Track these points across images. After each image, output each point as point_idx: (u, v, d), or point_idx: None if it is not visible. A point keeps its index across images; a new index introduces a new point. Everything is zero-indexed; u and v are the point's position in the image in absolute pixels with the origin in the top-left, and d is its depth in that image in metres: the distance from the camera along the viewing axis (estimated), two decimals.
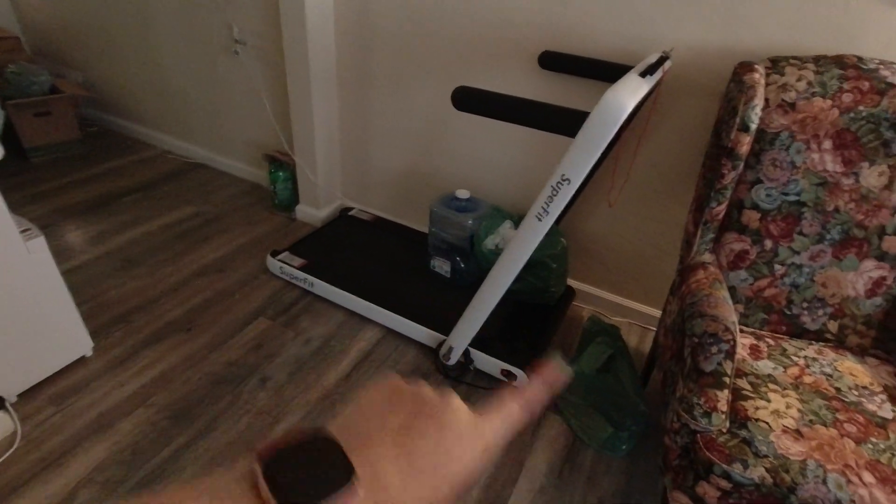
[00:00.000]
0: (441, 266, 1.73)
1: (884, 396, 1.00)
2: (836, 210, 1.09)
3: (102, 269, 1.80)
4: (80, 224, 2.04)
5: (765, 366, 1.05)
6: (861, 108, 1.04)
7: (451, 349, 1.44)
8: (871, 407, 0.97)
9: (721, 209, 1.13)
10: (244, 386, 1.40)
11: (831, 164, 1.08)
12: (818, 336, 1.17)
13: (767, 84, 1.08)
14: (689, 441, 0.95)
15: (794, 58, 1.09)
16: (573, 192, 1.02)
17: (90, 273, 1.77)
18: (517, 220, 1.63)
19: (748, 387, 0.99)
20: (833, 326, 1.16)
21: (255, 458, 0.23)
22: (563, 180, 1.00)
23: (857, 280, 1.12)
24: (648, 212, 1.58)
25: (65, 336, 1.35)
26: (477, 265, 1.64)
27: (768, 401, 0.96)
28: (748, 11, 1.22)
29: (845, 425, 0.92)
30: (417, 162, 1.94)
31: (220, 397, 1.36)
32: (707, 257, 1.18)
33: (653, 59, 1.15)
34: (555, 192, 1.03)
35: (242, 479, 0.22)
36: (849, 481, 0.83)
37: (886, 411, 0.96)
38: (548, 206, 1.05)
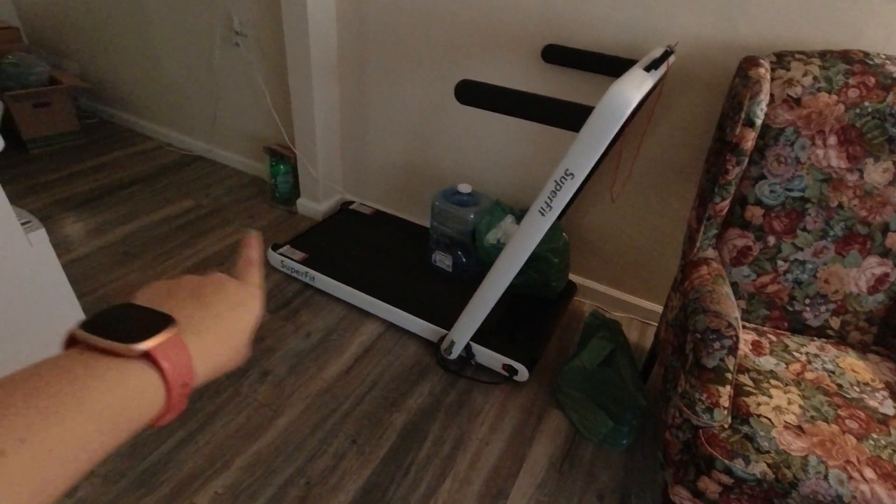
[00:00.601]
0: (442, 260, 1.73)
1: (885, 393, 1.00)
2: (840, 206, 1.09)
3: (102, 261, 1.79)
4: (79, 216, 2.03)
5: (767, 362, 1.06)
6: (867, 103, 1.03)
7: (452, 343, 1.43)
8: (873, 403, 0.97)
9: (724, 205, 1.13)
10: (245, 379, 1.40)
11: (836, 160, 1.07)
12: (820, 332, 1.17)
13: (773, 79, 1.07)
14: (690, 436, 0.95)
15: (800, 52, 1.08)
16: (577, 186, 1.01)
17: (89, 266, 1.77)
18: (519, 215, 1.63)
19: (750, 383, 1.00)
20: (835, 323, 1.16)
21: (67, 334, 0.25)
22: (567, 175, 1.00)
23: (859, 276, 1.12)
24: (650, 207, 1.58)
25: (66, 329, 1.34)
26: (478, 260, 1.64)
27: (770, 397, 0.96)
28: (753, 5, 1.21)
29: (847, 421, 0.92)
30: (418, 155, 1.93)
31: (220, 390, 1.36)
32: (710, 253, 1.18)
33: (657, 53, 1.14)
34: (558, 187, 1.02)
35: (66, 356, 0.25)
36: (850, 477, 0.84)
37: (888, 408, 0.96)
38: (551, 200, 1.05)
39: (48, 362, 0.24)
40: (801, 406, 0.95)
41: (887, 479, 0.83)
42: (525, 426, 1.35)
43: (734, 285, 1.19)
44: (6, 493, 0.19)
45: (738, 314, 0.99)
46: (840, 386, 1.01)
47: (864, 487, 0.83)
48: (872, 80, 1.03)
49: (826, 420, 0.92)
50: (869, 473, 0.84)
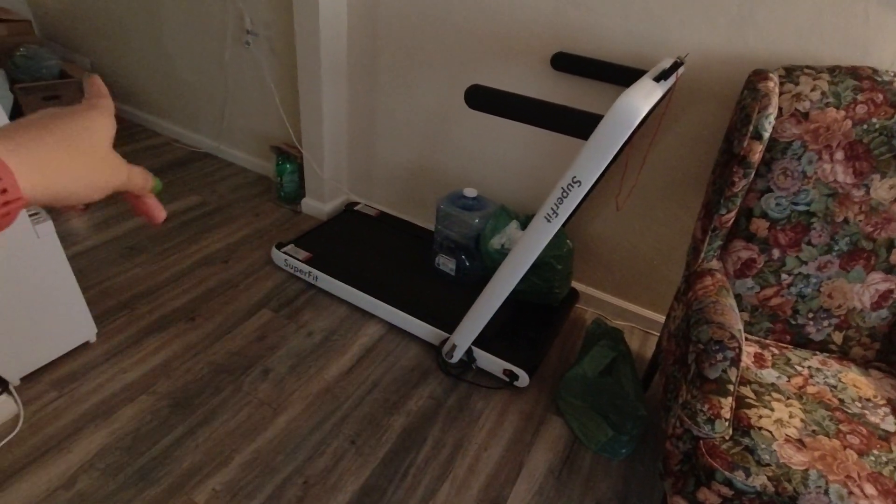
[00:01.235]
0: (446, 264, 1.73)
1: (887, 409, 1.00)
2: (846, 221, 1.09)
3: (106, 255, 1.80)
4: (84, 209, 2.04)
5: (769, 374, 1.06)
6: (874, 120, 1.04)
7: (454, 347, 1.44)
8: (874, 419, 0.97)
9: (730, 217, 1.13)
10: (246, 376, 1.40)
11: (842, 175, 1.07)
12: (822, 347, 1.17)
13: (781, 93, 1.07)
14: (691, 447, 0.95)
15: (809, 67, 1.09)
16: (583, 194, 1.02)
17: (94, 259, 1.77)
18: (524, 221, 1.63)
19: (752, 395, 1.00)
20: (838, 337, 1.16)
21: None
22: (574, 182, 1.00)
23: (863, 292, 1.12)
24: (655, 216, 1.58)
25: (69, 321, 1.35)
26: (482, 264, 1.64)
27: (772, 409, 0.96)
28: (764, 19, 1.22)
29: (848, 437, 0.92)
30: (424, 158, 1.94)
31: (221, 387, 1.36)
32: (714, 264, 1.18)
33: (667, 64, 1.15)
34: (565, 194, 1.03)
35: None
36: (850, 493, 0.84)
37: (889, 424, 0.96)
38: (557, 207, 1.05)
39: None
40: (802, 420, 0.95)
41: (888, 495, 0.83)
42: (524, 432, 1.35)
43: (738, 297, 1.19)
44: None
45: (741, 326, 0.99)
46: (842, 401, 1.01)
47: (864, 503, 0.83)
48: (881, 96, 1.04)
49: (827, 435, 0.92)
50: (870, 489, 0.84)
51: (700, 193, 1.48)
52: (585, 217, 1.69)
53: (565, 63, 1.46)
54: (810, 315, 1.16)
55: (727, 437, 0.92)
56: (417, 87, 1.80)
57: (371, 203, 2.17)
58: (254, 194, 2.29)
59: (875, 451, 0.90)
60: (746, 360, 1.09)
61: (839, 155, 1.07)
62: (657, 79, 1.03)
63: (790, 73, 1.09)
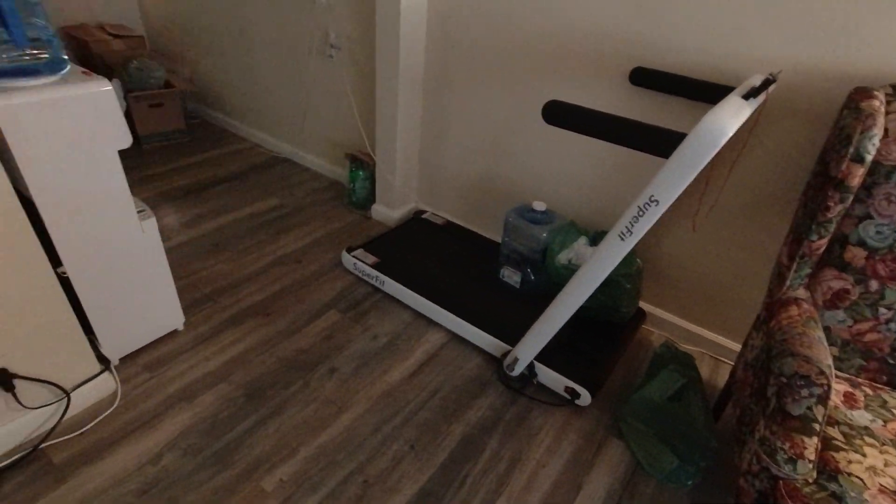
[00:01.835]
0: (511, 276, 1.73)
1: None
2: None
3: (194, 250, 1.95)
4: (177, 207, 2.22)
5: (861, 416, 0.97)
6: None
7: (516, 360, 1.43)
8: None
9: (822, 243, 1.06)
10: (313, 374, 1.47)
11: None
12: None
13: (887, 113, 1.00)
14: (768, 486, 0.90)
15: None
16: (661, 213, 0.99)
17: (183, 254, 1.93)
18: (592, 237, 1.61)
19: (840, 437, 0.92)
20: None
21: None
22: (652, 201, 0.98)
23: None
24: (734, 239, 1.50)
25: (163, 310, 1.48)
26: (547, 278, 1.63)
27: (864, 455, 0.89)
28: (870, 33, 1.14)
29: None
30: (492, 170, 1.95)
31: (291, 382, 1.44)
32: (801, 293, 1.11)
33: (757, 80, 1.10)
34: (641, 213, 1.01)
35: None
36: None
37: None
38: (632, 226, 1.03)
39: None
40: None
41: None
42: (584, 452, 1.32)
43: (826, 330, 1.11)
44: None
45: (830, 361, 0.92)
46: None
47: None
48: None
49: None
50: None
51: (786, 217, 1.39)
52: (658, 235, 1.63)
53: (644, 78, 1.42)
54: None
55: (810, 480, 0.86)
56: (490, 100, 1.82)
57: (438, 212, 2.22)
58: (327, 199, 2.40)
59: None
60: (835, 398, 1.01)
61: None
62: (746, 96, 0.99)
63: None
